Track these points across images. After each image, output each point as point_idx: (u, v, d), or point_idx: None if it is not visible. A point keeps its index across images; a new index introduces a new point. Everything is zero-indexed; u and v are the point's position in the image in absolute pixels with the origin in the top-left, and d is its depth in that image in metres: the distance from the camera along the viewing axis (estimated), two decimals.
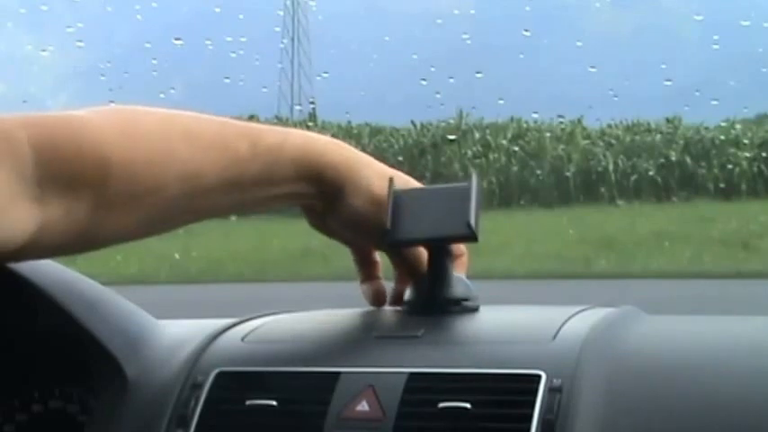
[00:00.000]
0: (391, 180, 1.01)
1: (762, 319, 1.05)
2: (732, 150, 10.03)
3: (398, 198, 1.01)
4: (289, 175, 0.98)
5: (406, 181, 1.04)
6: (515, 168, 9.95)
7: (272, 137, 0.98)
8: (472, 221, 0.99)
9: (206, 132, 0.95)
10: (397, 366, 0.95)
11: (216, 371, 0.99)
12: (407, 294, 1.05)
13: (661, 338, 1.00)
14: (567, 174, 9.86)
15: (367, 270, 1.07)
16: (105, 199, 0.89)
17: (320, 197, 1.00)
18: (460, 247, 1.06)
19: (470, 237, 1.00)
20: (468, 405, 0.90)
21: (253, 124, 0.99)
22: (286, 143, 0.98)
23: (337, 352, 0.99)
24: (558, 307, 1.06)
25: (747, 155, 9.92)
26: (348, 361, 0.97)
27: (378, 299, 1.07)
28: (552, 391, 0.90)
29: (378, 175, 1.02)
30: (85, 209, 0.88)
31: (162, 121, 0.94)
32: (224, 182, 0.94)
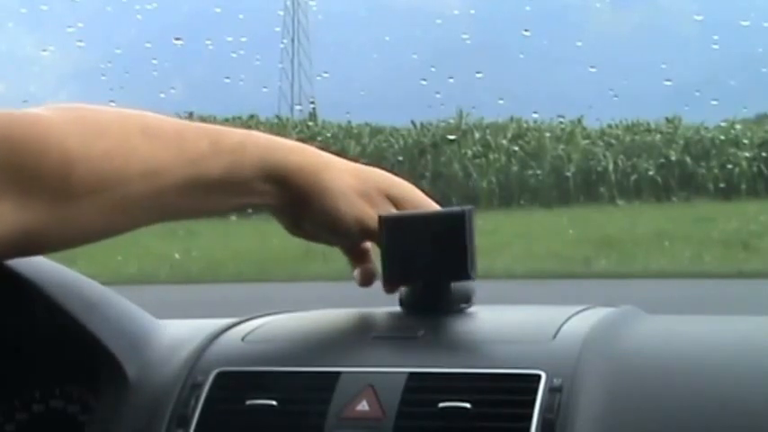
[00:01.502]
0: (381, 219, 1.00)
1: (762, 319, 1.05)
2: (732, 150, 10.04)
3: (391, 233, 1.00)
4: (253, 175, 0.97)
5: (380, 176, 1.03)
6: (515, 168, 9.96)
7: (232, 136, 0.97)
8: (469, 267, 0.99)
9: (165, 130, 0.94)
10: (397, 366, 0.95)
11: (216, 371, 0.99)
12: (406, 295, 1.05)
13: (661, 338, 1.00)
14: (567, 173, 9.87)
15: (357, 259, 1.06)
16: (66, 194, 0.88)
17: (289, 201, 0.99)
18: None
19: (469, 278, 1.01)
20: (468, 405, 0.90)
21: (212, 125, 0.98)
22: (248, 144, 0.97)
23: (337, 352, 0.99)
24: (558, 307, 1.06)
25: (747, 155, 9.92)
26: (348, 361, 0.97)
27: (366, 278, 1.06)
28: (552, 390, 0.90)
29: (345, 173, 1.01)
30: (45, 205, 0.87)
31: (120, 118, 0.93)
32: (187, 180, 0.93)
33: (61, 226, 0.89)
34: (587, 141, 10.50)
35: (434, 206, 1.05)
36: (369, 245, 1.06)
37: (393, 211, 1.02)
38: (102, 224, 0.92)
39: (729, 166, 9.84)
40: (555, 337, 0.96)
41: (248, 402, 0.95)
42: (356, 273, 1.07)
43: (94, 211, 0.90)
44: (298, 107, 11.93)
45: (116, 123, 0.92)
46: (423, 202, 1.04)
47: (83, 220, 0.90)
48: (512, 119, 10.63)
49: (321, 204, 0.99)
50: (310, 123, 10.69)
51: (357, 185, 1.01)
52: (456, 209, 1.00)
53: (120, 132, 0.91)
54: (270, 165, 0.97)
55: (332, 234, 1.02)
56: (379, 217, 1.00)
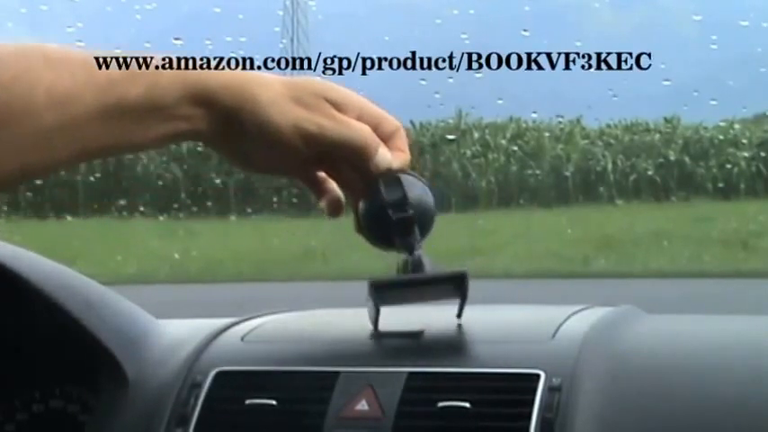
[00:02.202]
0: (369, 283, 0.96)
1: (762, 319, 1.05)
2: (731, 150, 10.04)
3: (379, 298, 0.97)
4: (175, 98, 0.91)
5: (314, 81, 0.97)
6: (514, 168, 9.95)
7: (147, 60, 0.91)
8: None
9: (69, 56, 0.88)
10: (397, 366, 0.95)
11: (215, 370, 0.99)
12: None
13: (660, 338, 1.00)
14: (566, 173, 9.86)
15: (317, 187, 1.01)
16: None
17: (219, 122, 0.93)
18: (391, 124, 0.99)
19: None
20: (467, 404, 0.90)
21: (125, 51, 0.91)
22: (164, 66, 0.91)
23: (337, 352, 0.99)
24: (558, 306, 1.06)
25: (746, 154, 9.92)
26: (348, 360, 0.97)
27: (333, 207, 1.00)
28: (551, 389, 0.90)
29: (274, 82, 0.95)
30: None
31: (18, 49, 0.87)
32: (101, 108, 0.87)
33: None
34: (586, 141, 10.48)
35: (376, 109, 0.99)
36: (324, 175, 1.00)
37: (334, 113, 0.95)
38: (18, 162, 0.86)
39: (728, 166, 9.83)
40: (554, 336, 0.96)
41: (248, 402, 0.95)
42: (323, 204, 1.01)
43: (5, 147, 0.84)
44: None
45: (14, 53, 0.87)
46: (365, 105, 0.98)
47: None
48: (511, 119, 10.61)
49: (253, 118, 0.93)
50: None
51: (288, 93, 0.94)
52: (455, 272, 0.96)
53: (19, 62, 0.86)
54: (191, 85, 0.91)
55: (274, 151, 0.94)
56: (369, 283, 0.96)
